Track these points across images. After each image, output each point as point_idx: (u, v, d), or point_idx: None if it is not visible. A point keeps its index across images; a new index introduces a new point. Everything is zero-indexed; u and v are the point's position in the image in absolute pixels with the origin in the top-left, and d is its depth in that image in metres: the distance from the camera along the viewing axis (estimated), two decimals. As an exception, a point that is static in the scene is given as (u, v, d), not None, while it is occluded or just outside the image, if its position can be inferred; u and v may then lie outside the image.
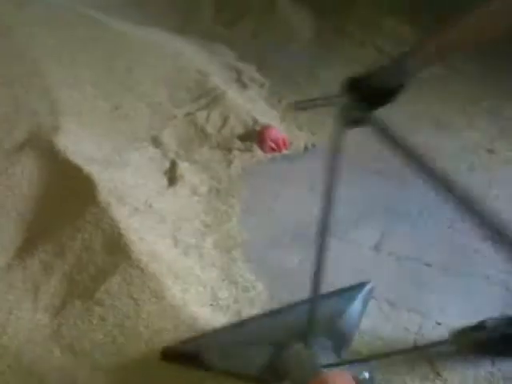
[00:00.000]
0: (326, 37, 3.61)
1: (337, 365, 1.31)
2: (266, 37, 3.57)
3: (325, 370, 1.26)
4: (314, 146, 2.56)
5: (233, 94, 2.73)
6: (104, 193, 1.95)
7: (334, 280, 1.53)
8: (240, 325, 1.60)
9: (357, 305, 1.62)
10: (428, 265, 1.90)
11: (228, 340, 1.54)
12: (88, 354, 1.54)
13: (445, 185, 0.84)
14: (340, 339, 1.47)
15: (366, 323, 1.64)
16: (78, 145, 2.20)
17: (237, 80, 3.04)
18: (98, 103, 2.49)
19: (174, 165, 2.37)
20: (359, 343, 1.58)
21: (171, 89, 2.69)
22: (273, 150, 2.49)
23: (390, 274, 1.88)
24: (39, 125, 2.25)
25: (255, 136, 2.52)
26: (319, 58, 3.38)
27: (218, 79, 2.86)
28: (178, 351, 1.51)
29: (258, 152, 2.48)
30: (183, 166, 2.35)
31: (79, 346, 1.57)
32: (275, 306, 1.70)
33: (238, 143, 2.50)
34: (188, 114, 2.62)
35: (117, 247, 1.79)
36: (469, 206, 0.79)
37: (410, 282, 1.84)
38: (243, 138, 2.53)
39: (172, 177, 2.30)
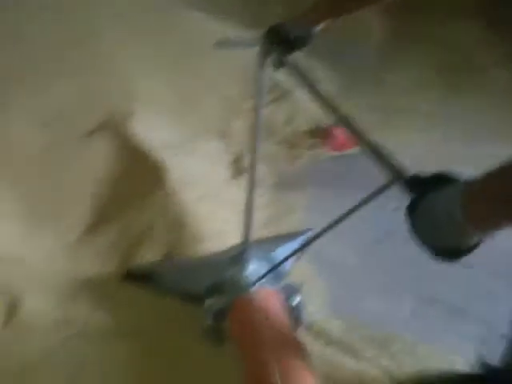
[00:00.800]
0: (397, 38, 3.53)
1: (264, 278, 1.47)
2: (335, 34, 3.52)
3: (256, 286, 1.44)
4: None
5: (301, 90, 2.72)
6: (172, 179, 2.01)
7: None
8: (189, 258, 1.87)
9: (294, 244, 1.87)
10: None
11: (179, 266, 1.85)
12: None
13: (344, 120, 1.00)
14: (273, 268, 1.56)
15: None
16: (150, 132, 2.27)
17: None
18: (170, 92, 2.55)
19: (239, 157, 2.39)
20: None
21: (241, 82, 2.72)
22: (338, 148, 2.47)
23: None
24: (114, 110, 2.33)
25: (321, 134, 2.51)
26: (388, 59, 3.31)
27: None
28: (136, 273, 1.80)
29: (323, 150, 2.47)
30: (249, 159, 2.37)
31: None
32: (332, 299, 1.73)
33: (303, 140, 2.50)
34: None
35: (182, 229, 1.85)
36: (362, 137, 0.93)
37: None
38: (309, 134, 2.53)
39: (237, 168, 2.32)
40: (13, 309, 1.66)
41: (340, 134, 2.47)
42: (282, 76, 2.81)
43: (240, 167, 2.33)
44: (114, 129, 2.26)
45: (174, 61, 2.68)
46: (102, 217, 2.07)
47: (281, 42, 1.23)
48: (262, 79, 1.32)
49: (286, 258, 1.52)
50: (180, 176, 2.04)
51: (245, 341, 1.33)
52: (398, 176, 0.81)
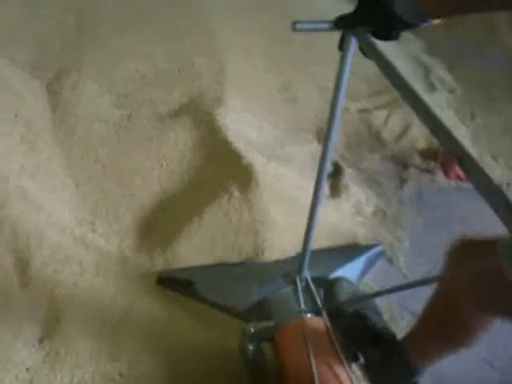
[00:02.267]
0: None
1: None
2: (461, 30, 2.98)
3: (308, 316, 1.28)
4: (508, 185, 2.04)
5: (425, 95, 2.26)
6: (262, 188, 1.66)
7: None
8: (233, 264, 1.63)
9: (358, 263, 1.64)
10: None
11: (220, 274, 1.59)
12: None
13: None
14: (332, 291, 1.44)
15: None
16: (240, 124, 1.91)
17: (424, 78, 2.55)
18: (266, 78, 2.17)
19: (337, 169, 2.00)
20: None
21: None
22: (459, 177, 2.02)
23: None
24: (201, 90, 1.98)
25: (439, 155, 2.06)
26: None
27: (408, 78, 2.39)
28: (172, 278, 1.56)
29: (440, 176, 2.03)
30: (348, 174, 1.97)
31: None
32: None
33: (417, 160, 2.07)
34: (363, 110, 2.22)
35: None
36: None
37: None
38: (425, 154, 2.09)
39: (335, 185, 1.93)
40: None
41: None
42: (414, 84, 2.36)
43: (337, 183, 1.93)
44: (199, 114, 1.91)
45: (275, 42, 2.28)
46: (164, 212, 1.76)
47: (372, 22, 0.92)
48: (344, 65, 1.02)
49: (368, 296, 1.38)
50: (271, 187, 1.68)
51: (291, 373, 1.19)
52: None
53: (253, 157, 1.74)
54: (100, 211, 1.72)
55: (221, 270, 1.61)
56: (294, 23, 0.97)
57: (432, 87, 2.47)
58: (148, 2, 2.05)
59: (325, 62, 2.24)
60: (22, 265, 1.48)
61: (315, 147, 2.05)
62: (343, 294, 1.42)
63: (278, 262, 1.62)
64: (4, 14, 2.08)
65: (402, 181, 2.01)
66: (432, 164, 2.05)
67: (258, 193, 1.67)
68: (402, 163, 2.07)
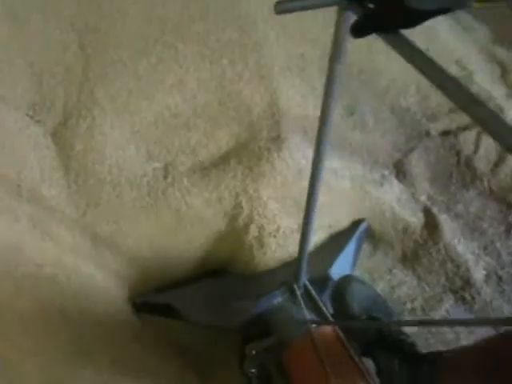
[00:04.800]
0: None
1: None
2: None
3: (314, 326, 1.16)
4: None
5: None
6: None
7: None
8: (217, 277, 1.47)
9: (350, 247, 1.52)
10: None
11: (205, 291, 1.42)
12: None
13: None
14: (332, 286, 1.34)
15: None
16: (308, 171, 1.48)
17: (500, 77, 2.11)
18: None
19: (428, 215, 1.59)
20: None
21: (422, 88, 1.84)
22: None
23: None
24: (252, 129, 1.55)
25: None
26: None
27: (484, 79, 1.96)
28: (150, 303, 1.42)
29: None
30: (442, 221, 1.56)
31: None
32: None
33: (523, 196, 1.66)
34: (445, 132, 1.78)
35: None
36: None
37: None
38: (532, 188, 1.67)
39: (430, 238, 1.52)
40: None
41: None
42: (479, 79, 1.93)
43: (433, 237, 1.52)
44: (253, 161, 1.49)
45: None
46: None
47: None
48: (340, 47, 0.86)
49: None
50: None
51: None
52: None
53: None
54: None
55: (204, 284, 1.45)
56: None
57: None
58: (175, 16, 1.58)
59: (395, 74, 1.80)
60: None
61: (396, 185, 1.63)
62: (357, 301, 1.28)
63: (270, 271, 1.45)
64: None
65: (510, 226, 1.60)
66: (544, 201, 1.63)
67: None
68: (504, 201, 1.66)
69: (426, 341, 1.45)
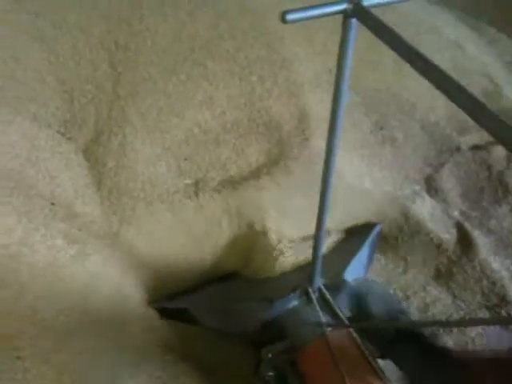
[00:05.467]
0: None
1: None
2: None
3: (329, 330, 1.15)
4: None
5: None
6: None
7: None
8: (232, 281, 1.48)
9: (364, 251, 1.50)
10: None
11: (220, 296, 1.44)
12: None
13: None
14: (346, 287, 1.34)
15: None
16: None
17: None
18: (355, 115, 1.71)
19: (461, 231, 1.56)
20: None
21: (450, 102, 1.82)
22: None
23: None
24: (283, 145, 1.54)
25: None
26: None
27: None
28: (168, 308, 1.40)
29: None
30: (476, 237, 1.54)
31: None
32: None
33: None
34: (476, 146, 1.76)
35: None
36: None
37: None
38: None
39: (464, 255, 1.50)
40: None
41: None
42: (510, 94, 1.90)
43: (466, 256, 1.49)
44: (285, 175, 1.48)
45: (359, 70, 1.81)
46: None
47: None
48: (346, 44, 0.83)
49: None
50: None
51: None
52: None
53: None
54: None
55: (218, 289, 1.47)
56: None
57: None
58: (204, 33, 1.59)
59: (421, 89, 1.78)
60: None
61: (428, 201, 1.61)
62: (376, 304, 1.33)
63: (283, 274, 1.45)
64: (21, 58, 1.63)
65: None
66: None
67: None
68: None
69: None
